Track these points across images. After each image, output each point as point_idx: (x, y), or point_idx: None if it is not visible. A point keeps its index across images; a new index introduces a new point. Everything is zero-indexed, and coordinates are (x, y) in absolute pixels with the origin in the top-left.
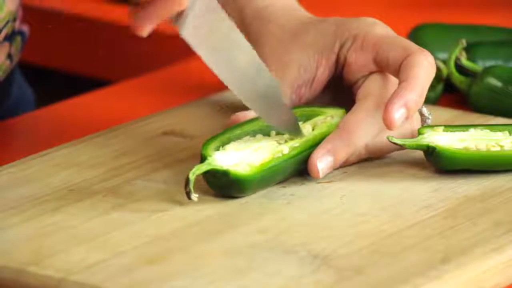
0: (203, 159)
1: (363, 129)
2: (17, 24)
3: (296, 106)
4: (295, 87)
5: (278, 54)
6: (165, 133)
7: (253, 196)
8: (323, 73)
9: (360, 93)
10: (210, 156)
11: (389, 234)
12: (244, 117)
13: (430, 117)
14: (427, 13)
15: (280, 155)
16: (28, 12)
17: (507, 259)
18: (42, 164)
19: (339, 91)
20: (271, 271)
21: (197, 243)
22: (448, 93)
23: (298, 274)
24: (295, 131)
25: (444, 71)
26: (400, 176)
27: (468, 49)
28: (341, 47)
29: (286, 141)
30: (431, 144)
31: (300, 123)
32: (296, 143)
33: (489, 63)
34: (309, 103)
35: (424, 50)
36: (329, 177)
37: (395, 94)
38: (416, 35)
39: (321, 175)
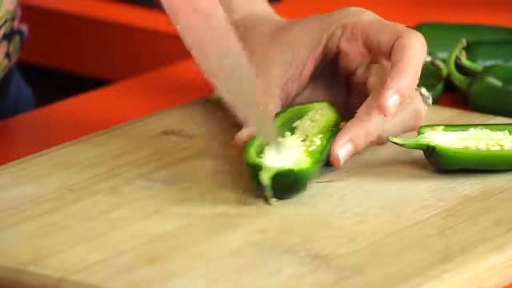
0: (255, 169)
1: (379, 117)
2: (16, 24)
3: (282, 109)
4: (282, 84)
5: (261, 58)
6: (165, 133)
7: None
8: (309, 66)
9: (372, 83)
10: (262, 163)
11: (389, 234)
12: (247, 137)
13: (430, 96)
14: (427, 13)
15: (315, 147)
16: (27, 12)
17: (507, 258)
18: (41, 163)
19: (325, 82)
20: (271, 271)
21: (197, 242)
22: (448, 92)
23: (297, 273)
24: (275, 141)
25: (444, 70)
26: (400, 176)
27: (468, 49)
28: (330, 38)
29: (307, 136)
30: (431, 143)
31: (298, 121)
32: (318, 135)
33: (489, 62)
34: (298, 97)
35: (415, 31)
36: (329, 177)
37: (388, 81)
38: None
39: (342, 163)
